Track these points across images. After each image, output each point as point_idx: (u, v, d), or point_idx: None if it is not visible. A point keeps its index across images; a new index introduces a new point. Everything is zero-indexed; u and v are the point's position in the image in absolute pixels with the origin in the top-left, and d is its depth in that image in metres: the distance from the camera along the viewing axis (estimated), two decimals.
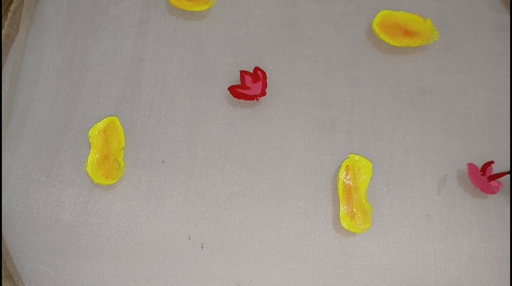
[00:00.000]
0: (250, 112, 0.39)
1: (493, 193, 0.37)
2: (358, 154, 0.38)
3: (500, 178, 0.37)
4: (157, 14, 0.42)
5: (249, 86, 0.39)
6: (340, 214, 0.36)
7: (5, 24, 0.40)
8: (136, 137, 0.38)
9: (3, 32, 0.40)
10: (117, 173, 0.37)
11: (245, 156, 0.38)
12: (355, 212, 0.36)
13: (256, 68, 0.40)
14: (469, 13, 0.43)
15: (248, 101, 0.39)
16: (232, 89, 0.39)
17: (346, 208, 0.36)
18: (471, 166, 0.37)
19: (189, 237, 0.36)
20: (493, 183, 0.37)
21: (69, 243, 0.36)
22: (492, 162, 0.37)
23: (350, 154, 0.38)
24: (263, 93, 0.39)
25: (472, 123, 0.39)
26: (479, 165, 0.38)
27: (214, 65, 0.41)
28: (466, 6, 0.43)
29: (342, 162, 0.38)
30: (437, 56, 0.41)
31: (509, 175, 0.37)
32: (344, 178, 0.37)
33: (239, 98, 0.39)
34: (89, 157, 0.37)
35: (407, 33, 0.41)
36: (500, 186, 0.37)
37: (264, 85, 0.39)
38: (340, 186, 0.37)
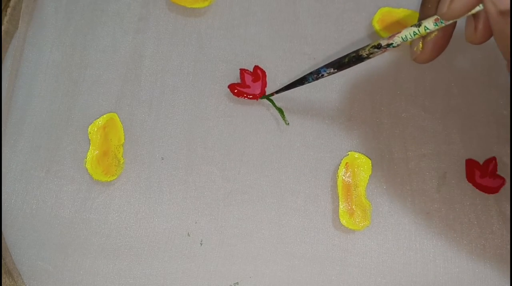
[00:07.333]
0: (249, 109, 0.39)
1: (493, 192, 0.37)
2: (358, 151, 0.38)
3: (500, 176, 0.37)
4: (157, 11, 0.42)
5: (249, 85, 0.39)
6: (340, 211, 0.36)
7: (5, 20, 0.40)
8: (135, 134, 0.38)
9: (2, 28, 0.40)
10: (117, 170, 0.37)
11: (244, 153, 0.38)
12: (354, 209, 0.36)
13: (256, 67, 0.40)
14: None
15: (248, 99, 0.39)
16: (232, 87, 0.39)
17: (346, 205, 0.36)
18: (469, 162, 0.37)
19: (188, 233, 0.36)
20: (492, 180, 0.37)
21: (68, 239, 0.36)
22: (494, 158, 0.37)
23: (349, 151, 0.38)
24: (263, 92, 0.39)
25: (472, 121, 0.39)
26: (479, 163, 0.38)
27: (214, 62, 0.41)
28: None
29: (342, 159, 0.38)
30: None
31: (509, 173, 0.37)
32: (344, 175, 0.37)
33: (239, 96, 0.39)
34: (89, 153, 0.37)
35: None
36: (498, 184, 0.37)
37: (264, 84, 0.39)
38: (339, 183, 0.37)
